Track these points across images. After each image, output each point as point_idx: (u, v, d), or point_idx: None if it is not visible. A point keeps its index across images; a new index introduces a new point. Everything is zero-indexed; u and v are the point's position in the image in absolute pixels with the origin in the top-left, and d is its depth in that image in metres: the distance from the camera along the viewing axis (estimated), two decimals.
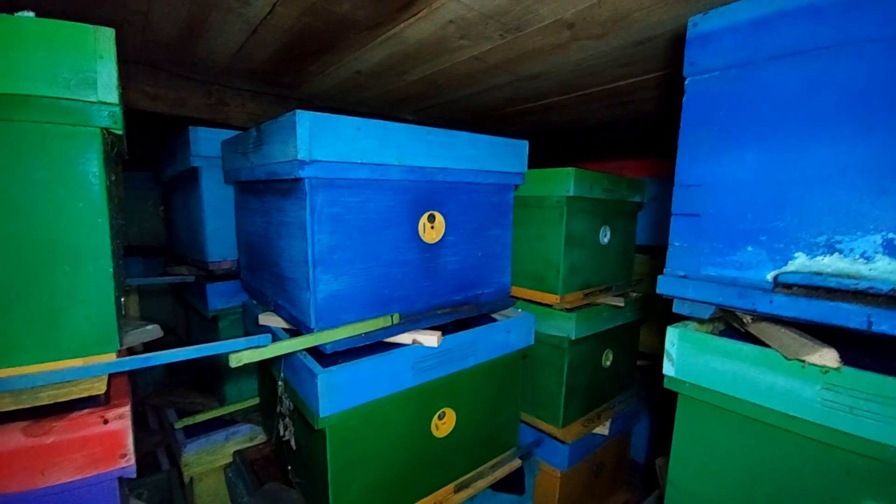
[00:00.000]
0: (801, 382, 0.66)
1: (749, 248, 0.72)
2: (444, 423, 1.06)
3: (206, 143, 1.30)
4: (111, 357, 0.62)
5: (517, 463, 1.25)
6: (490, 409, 1.16)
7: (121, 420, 0.60)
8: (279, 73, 1.51)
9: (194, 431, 1.34)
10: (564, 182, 1.34)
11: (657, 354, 2.06)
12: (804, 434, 0.67)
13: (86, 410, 0.59)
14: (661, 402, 1.99)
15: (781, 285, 0.69)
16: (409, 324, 0.99)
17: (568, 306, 1.42)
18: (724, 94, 0.73)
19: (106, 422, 0.59)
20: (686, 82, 0.78)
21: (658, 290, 0.81)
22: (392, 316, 0.97)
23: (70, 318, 0.59)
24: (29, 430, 0.55)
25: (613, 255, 1.60)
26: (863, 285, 0.63)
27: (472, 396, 1.11)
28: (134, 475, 0.63)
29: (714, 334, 0.80)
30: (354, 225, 0.90)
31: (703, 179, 0.76)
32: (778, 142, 0.68)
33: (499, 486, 1.22)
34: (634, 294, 1.68)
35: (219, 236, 1.34)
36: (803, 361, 0.65)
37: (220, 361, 1.39)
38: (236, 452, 1.34)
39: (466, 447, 1.13)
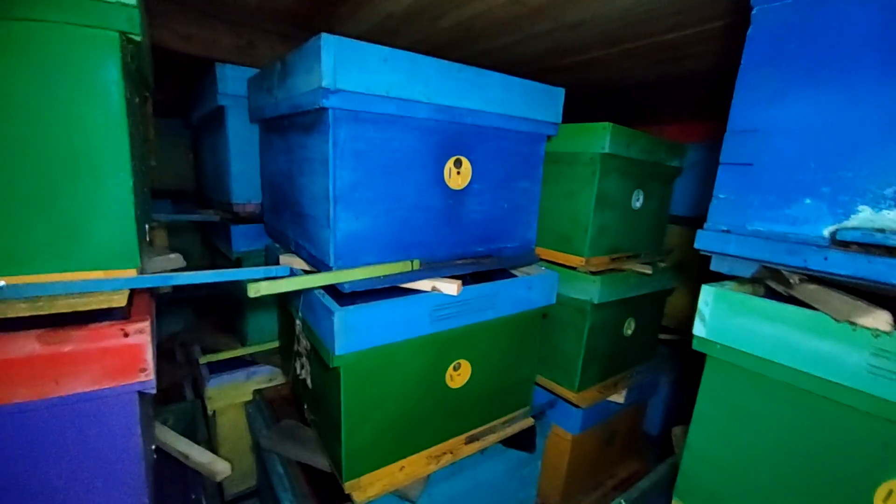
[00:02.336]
0: (848, 347, 0.61)
1: (807, 201, 0.65)
2: (459, 375, 1.05)
3: (233, 81, 1.27)
4: (132, 273, 0.62)
5: (530, 421, 1.25)
6: (506, 366, 1.15)
7: (141, 335, 0.61)
8: (309, 15, 1.45)
9: (217, 368, 1.38)
10: (600, 138, 1.27)
11: (683, 329, 2.02)
12: (843, 402, 0.62)
13: (105, 322, 0.59)
14: (680, 377, 1.95)
15: (838, 242, 0.63)
16: (428, 271, 0.97)
17: (593, 269, 1.37)
18: (797, 25, 0.64)
19: (126, 335, 0.60)
20: (753, 12, 0.69)
21: (696, 245, 0.76)
22: (412, 262, 0.95)
23: (91, 231, 0.59)
24: (44, 337, 0.56)
25: (645, 220, 1.52)
26: None
27: (488, 351, 1.09)
28: (154, 391, 0.65)
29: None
30: (378, 163, 0.87)
31: (762, 124, 0.69)
32: (855, 81, 0.60)
33: (510, 443, 1.23)
34: (663, 264, 1.61)
35: (243, 178, 1.34)
36: (854, 324, 0.60)
37: (243, 302, 1.42)
38: (256, 391, 1.39)
39: (480, 401, 1.12)
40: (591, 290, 1.33)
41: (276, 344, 1.48)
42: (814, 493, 0.67)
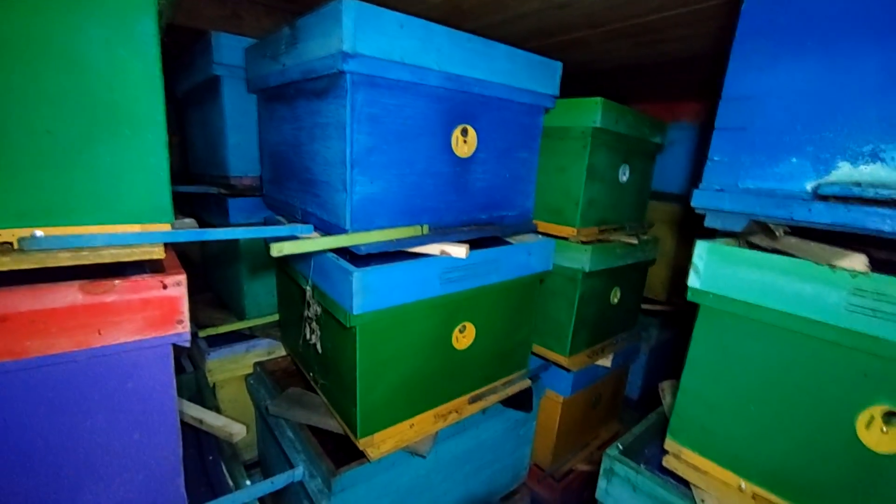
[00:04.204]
0: (827, 288, 0.69)
1: (793, 160, 0.73)
2: (464, 337, 1.10)
3: (228, 50, 1.25)
4: (166, 227, 0.63)
5: (527, 383, 1.32)
6: (507, 329, 1.20)
7: (178, 287, 0.62)
8: None
9: (216, 342, 1.38)
10: (591, 112, 1.32)
11: (660, 300, 2.14)
12: (825, 338, 0.71)
13: (146, 274, 0.60)
14: (657, 346, 2.07)
15: (820, 196, 0.71)
16: (437, 236, 1.01)
17: (584, 239, 1.44)
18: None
19: (165, 287, 0.61)
20: None
21: (693, 203, 0.83)
22: (422, 227, 0.99)
23: (129, 184, 0.60)
24: (87, 287, 0.56)
25: (630, 194, 1.61)
26: None
27: (491, 314, 1.14)
28: (188, 343, 0.66)
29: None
30: (391, 129, 0.90)
31: (755, 91, 0.76)
32: (836, 50, 0.68)
33: (508, 403, 1.29)
34: (646, 236, 1.70)
35: (240, 151, 1.32)
36: (834, 267, 0.68)
37: (239, 277, 1.42)
38: (257, 363, 1.40)
39: (482, 362, 1.18)
40: (582, 259, 1.40)
41: (274, 318, 1.49)
42: (798, 422, 0.76)
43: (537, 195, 1.35)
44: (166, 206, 0.63)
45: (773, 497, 0.81)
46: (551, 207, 1.47)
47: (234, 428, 0.97)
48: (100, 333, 0.58)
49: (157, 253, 0.62)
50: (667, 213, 2.08)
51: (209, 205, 1.50)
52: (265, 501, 1.38)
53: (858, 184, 0.68)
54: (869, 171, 0.66)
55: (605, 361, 1.62)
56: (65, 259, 0.56)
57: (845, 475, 0.73)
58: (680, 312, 2.05)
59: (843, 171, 0.69)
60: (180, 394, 1.12)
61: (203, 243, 1.85)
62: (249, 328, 1.44)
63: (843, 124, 0.68)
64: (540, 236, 1.27)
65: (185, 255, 2.06)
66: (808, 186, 0.72)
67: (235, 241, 1.39)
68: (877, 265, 0.69)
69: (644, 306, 2.01)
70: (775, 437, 0.79)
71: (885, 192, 0.66)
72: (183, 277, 0.63)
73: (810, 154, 0.71)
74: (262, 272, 1.43)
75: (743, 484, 0.83)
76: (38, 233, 0.55)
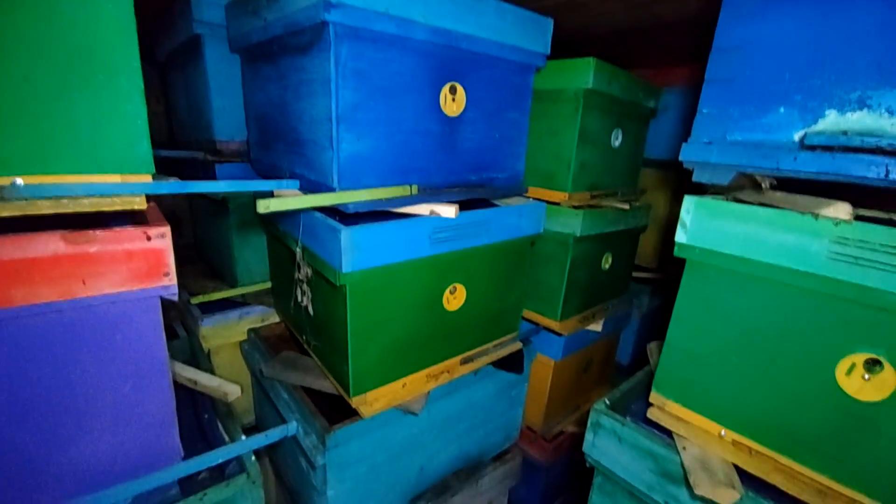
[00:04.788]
0: (810, 238, 0.70)
1: (781, 109, 0.72)
2: (455, 298, 1.11)
3: (209, 7, 1.21)
4: (147, 178, 0.62)
5: (518, 345, 1.34)
6: (497, 291, 1.21)
7: (162, 238, 0.62)
8: None
9: (209, 309, 1.38)
10: (584, 73, 1.30)
11: (652, 268, 2.16)
12: (807, 288, 0.72)
13: (128, 226, 0.60)
14: (648, 313, 2.10)
15: (807, 146, 0.71)
16: (426, 196, 1.00)
17: (575, 204, 1.44)
18: None
19: (149, 238, 0.61)
20: None
21: (681, 157, 0.83)
22: (411, 186, 0.98)
23: (107, 132, 0.58)
24: (69, 237, 0.56)
25: (622, 159, 1.60)
26: (884, 142, 0.65)
27: (481, 276, 1.15)
28: (176, 297, 0.66)
29: None
30: (378, 85, 0.88)
31: (744, 41, 0.74)
32: None
33: (500, 364, 1.31)
34: (638, 203, 1.71)
35: (226, 114, 1.30)
36: (817, 215, 0.68)
37: (230, 245, 1.41)
38: (251, 330, 1.41)
39: (474, 324, 1.19)
40: (573, 224, 1.41)
41: (266, 285, 1.49)
42: (779, 371, 0.78)
43: (528, 160, 1.34)
44: (146, 156, 0.62)
45: (751, 443, 0.84)
46: (543, 172, 1.46)
47: (228, 388, 0.98)
48: (84, 283, 0.58)
49: (139, 203, 0.61)
50: (659, 181, 2.08)
51: (196, 171, 1.47)
52: (266, 467, 1.42)
53: (845, 132, 0.68)
54: (856, 119, 0.66)
55: (596, 326, 1.65)
56: (45, 207, 0.55)
57: (824, 421, 0.75)
58: (671, 280, 2.07)
59: (831, 120, 0.68)
60: (174, 357, 1.13)
61: (193, 213, 1.83)
62: (242, 295, 1.45)
63: (832, 71, 0.67)
64: (531, 199, 1.26)
65: (174, 219, 2.05)
66: (796, 136, 0.72)
67: (226, 208, 1.38)
68: (860, 218, 0.69)
69: (635, 274, 2.03)
70: (756, 387, 0.82)
71: (870, 140, 0.66)
72: (167, 229, 0.62)
73: (798, 103, 0.70)
74: (252, 239, 1.43)
75: (723, 431, 0.86)
76: (19, 181, 0.54)
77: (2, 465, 0.61)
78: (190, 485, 0.83)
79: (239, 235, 1.40)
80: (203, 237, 1.76)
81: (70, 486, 0.68)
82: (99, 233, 0.57)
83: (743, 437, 0.85)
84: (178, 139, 1.71)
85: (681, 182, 2.01)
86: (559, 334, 1.54)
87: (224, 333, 1.38)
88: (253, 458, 0.84)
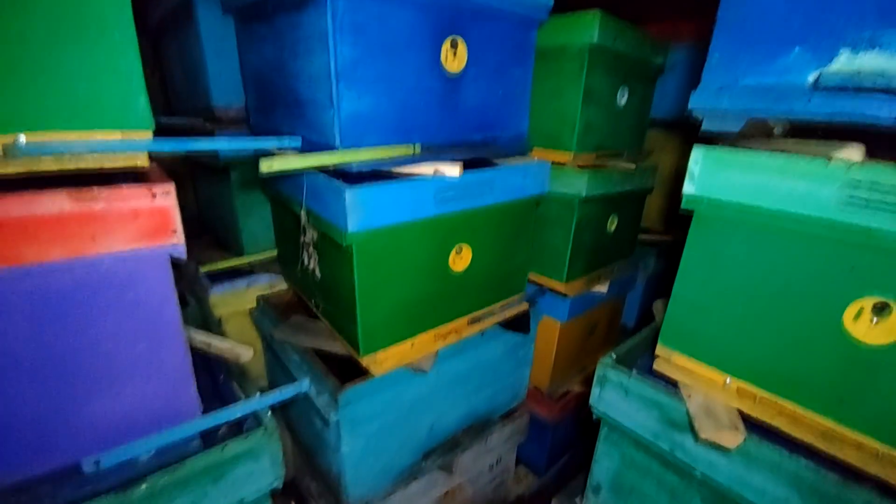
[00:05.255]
0: (822, 182, 0.69)
1: (795, 49, 0.70)
2: (461, 259, 1.11)
3: None
4: (147, 135, 0.62)
5: (525, 306, 1.35)
6: (503, 252, 1.22)
7: (168, 196, 0.62)
8: None
9: (217, 278, 1.40)
10: (588, 27, 1.26)
11: (658, 231, 2.15)
12: (816, 234, 0.71)
13: (132, 184, 0.60)
14: (654, 276, 2.11)
15: (820, 88, 0.69)
16: (429, 156, 0.99)
17: (581, 164, 1.42)
18: None
19: (154, 196, 0.61)
20: None
21: (690, 105, 0.81)
22: (414, 146, 0.97)
23: (103, 88, 0.58)
24: (75, 194, 0.56)
25: (628, 119, 1.56)
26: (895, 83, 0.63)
27: (487, 236, 1.15)
28: (184, 256, 0.67)
29: None
30: (376, 40, 0.85)
31: None
32: None
33: (507, 325, 1.33)
34: (644, 164, 1.68)
35: (222, 79, 1.28)
36: (830, 158, 0.67)
37: (236, 213, 1.41)
38: (259, 297, 1.43)
39: (480, 285, 1.20)
40: (578, 185, 1.39)
41: (272, 253, 1.50)
42: (785, 319, 0.79)
43: (532, 121, 1.32)
44: (144, 112, 0.61)
45: (756, 390, 0.85)
46: (547, 133, 1.44)
47: (241, 350, 1.00)
48: (94, 241, 0.58)
49: (141, 160, 0.61)
50: (665, 142, 2.04)
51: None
52: (281, 429, 1.46)
53: (858, 73, 0.66)
54: (867, 59, 0.64)
55: (602, 288, 1.66)
56: (48, 164, 0.55)
57: (829, 366, 0.76)
58: (677, 243, 2.06)
59: (844, 59, 0.66)
60: (187, 323, 1.15)
61: (196, 186, 1.83)
62: (249, 263, 1.46)
63: (845, 8, 0.64)
64: (535, 159, 1.25)
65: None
66: (810, 78, 0.69)
67: (227, 177, 1.37)
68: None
69: (641, 237, 2.02)
70: (762, 335, 0.82)
71: (882, 81, 0.64)
72: (171, 187, 0.62)
73: (811, 42, 0.68)
74: (256, 207, 1.43)
75: (728, 379, 0.88)
76: (21, 138, 0.54)
77: (26, 419, 0.63)
78: (211, 441, 0.86)
79: (242, 204, 1.40)
80: (207, 209, 1.76)
81: (96, 440, 0.70)
82: (104, 190, 0.58)
83: (748, 384, 0.86)
84: (175, 109, 1.69)
85: (687, 144, 1.97)
86: (565, 296, 1.54)
87: (233, 301, 1.40)
88: (269, 413, 0.86)
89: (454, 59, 0.98)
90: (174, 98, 1.68)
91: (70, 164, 0.56)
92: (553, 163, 1.42)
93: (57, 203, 0.55)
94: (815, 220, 0.71)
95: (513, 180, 1.12)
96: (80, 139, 0.57)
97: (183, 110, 1.58)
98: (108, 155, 0.59)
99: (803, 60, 0.70)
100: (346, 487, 1.11)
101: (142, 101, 0.60)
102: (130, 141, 0.60)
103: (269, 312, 1.36)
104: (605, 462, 1.10)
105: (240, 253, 1.47)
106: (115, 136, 0.59)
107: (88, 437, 0.70)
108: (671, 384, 0.95)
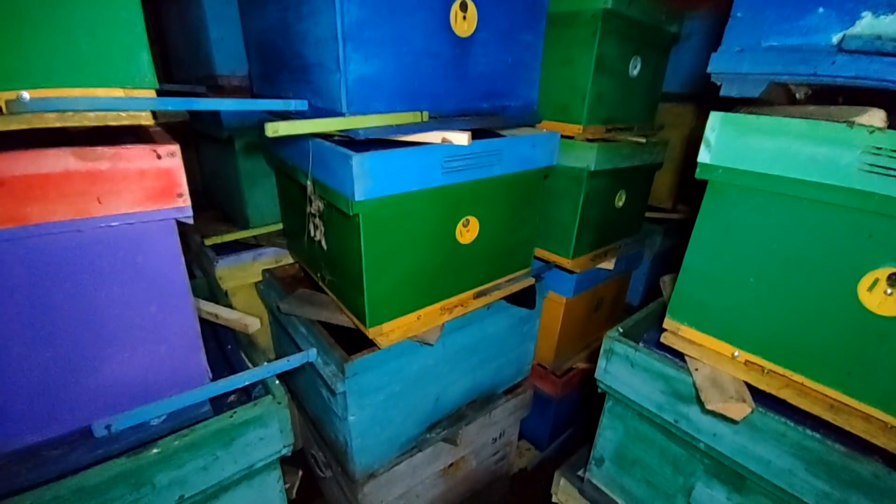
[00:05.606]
0: (843, 148, 0.67)
1: (820, 10, 0.67)
2: (468, 231, 1.10)
3: None
4: (151, 93, 0.60)
5: (530, 280, 1.34)
6: (510, 225, 1.20)
7: (173, 157, 0.61)
8: None
9: (223, 251, 1.40)
10: None
11: (666, 208, 2.12)
12: (834, 202, 0.70)
13: (137, 144, 0.59)
14: (660, 254, 2.09)
15: (844, 50, 0.66)
16: (437, 124, 0.97)
17: (590, 137, 1.39)
18: None
19: (159, 157, 0.60)
20: None
21: (710, 69, 0.78)
22: (422, 113, 0.95)
23: (105, 42, 0.56)
24: (80, 153, 0.55)
25: (640, 91, 1.53)
26: None
27: (494, 208, 1.13)
28: (191, 219, 0.66)
29: None
30: (383, 0, 0.82)
31: None
32: None
33: (512, 299, 1.33)
34: (654, 139, 1.64)
35: (225, 46, 1.25)
36: (852, 123, 0.65)
37: (240, 185, 1.40)
38: (265, 270, 1.42)
39: (486, 258, 1.19)
40: (587, 158, 1.37)
41: (278, 226, 1.50)
42: (798, 290, 0.78)
43: (542, 91, 1.28)
44: (147, 70, 0.59)
45: (764, 362, 0.85)
46: (557, 104, 1.40)
47: (248, 320, 1.01)
48: (100, 202, 0.58)
49: (145, 119, 0.59)
50: (678, 117, 1.99)
51: (198, 112, 1.44)
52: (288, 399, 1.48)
53: (879, 37, 0.63)
54: (888, 23, 0.62)
55: (608, 264, 1.64)
56: (51, 120, 0.54)
57: (841, 338, 0.75)
58: (685, 221, 2.04)
59: (866, 22, 0.64)
60: (195, 295, 1.16)
61: (200, 159, 1.81)
62: (255, 237, 1.46)
63: None
64: (544, 130, 1.22)
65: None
66: (834, 39, 0.67)
67: (232, 149, 1.35)
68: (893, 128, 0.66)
69: (649, 214, 2.00)
70: (772, 307, 0.81)
71: None
72: (176, 148, 0.61)
73: (835, 4, 0.65)
74: (261, 180, 1.41)
75: (736, 352, 0.87)
76: (25, 94, 0.53)
77: (35, 382, 0.63)
78: (220, 409, 0.87)
79: (247, 175, 1.38)
80: (211, 182, 1.75)
81: (107, 404, 0.71)
82: (109, 149, 0.56)
83: (756, 357, 0.86)
84: (176, 80, 1.66)
85: (700, 116, 1.93)
86: (571, 272, 1.54)
87: (239, 275, 1.40)
88: (277, 381, 0.87)
89: (464, 21, 0.95)
90: (176, 67, 1.65)
91: (73, 121, 0.55)
92: (562, 135, 1.40)
93: (62, 161, 0.54)
94: (834, 189, 0.69)
95: (521, 150, 1.10)
96: (83, 95, 0.56)
97: (185, 79, 1.55)
98: (112, 112, 0.57)
99: (827, 21, 0.67)
100: (352, 456, 1.13)
101: (144, 57, 0.58)
102: (133, 98, 0.58)
103: (274, 286, 1.36)
104: (608, 434, 1.11)
105: (245, 226, 1.47)
106: (117, 92, 0.58)
107: (99, 401, 0.70)
108: (677, 357, 0.94)
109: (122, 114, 0.58)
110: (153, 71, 0.60)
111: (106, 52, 0.56)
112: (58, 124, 0.54)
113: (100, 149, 0.56)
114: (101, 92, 0.57)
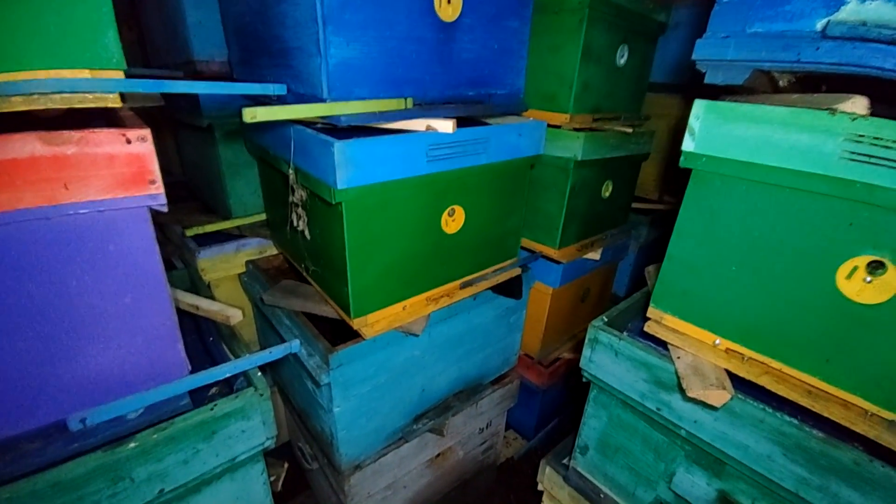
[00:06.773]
0: (825, 136, 0.67)
1: None
2: (453, 221, 1.09)
3: None
4: (119, 74, 0.58)
5: (517, 271, 1.34)
6: (496, 215, 1.19)
7: (144, 142, 0.58)
8: None
9: (205, 241, 1.37)
10: None
11: (652, 199, 2.13)
12: (815, 190, 0.70)
13: (105, 128, 0.56)
14: (646, 245, 2.11)
15: (828, 36, 0.66)
16: (421, 111, 0.95)
17: (577, 126, 1.38)
18: None
19: (129, 142, 0.57)
20: None
21: (695, 56, 0.78)
22: (406, 100, 0.93)
23: (71, 23, 0.53)
24: (45, 138, 0.53)
25: (627, 80, 1.52)
26: None
27: (480, 198, 1.12)
28: (165, 207, 0.64)
29: None
30: None
31: None
32: None
33: (499, 290, 1.32)
34: (641, 129, 1.64)
35: (203, 30, 1.21)
36: (834, 110, 0.65)
37: (222, 175, 1.37)
38: (249, 261, 1.40)
39: (473, 248, 1.18)
40: (574, 147, 1.36)
41: (261, 217, 1.47)
42: (778, 278, 0.78)
43: (528, 80, 1.27)
44: (114, 50, 0.57)
45: (744, 350, 0.86)
46: (543, 93, 1.39)
47: (230, 311, 0.99)
48: (67, 189, 0.55)
49: (112, 101, 0.57)
50: (665, 107, 1.99)
51: (179, 101, 1.40)
52: (275, 394, 1.47)
53: (864, 23, 0.63)
54: (873, 8, 0.61)
55: (594, 255, 1.65)
56: (18, 104, 0.51)
57: (819, 325, 0.76)
58: (671, 212, 2.05)
59: (851, 8, 0.63)
60: (175, 286, 1.13)
61: (181, 149, 1.76)
62: (237, 228, 1.43)
63: None
64: (531, 118, 1.21)
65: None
66: (818, 25, 0.67)
67: (213, 138, 1.32)
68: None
69: (635, 205, 2.00)
70: (753, 294, 0.82)
71: (886, 33, 0.62)
72: (147, 132, 0.59)
73: None
74: (243, 170, 1.38)
75: (717, 340, 0.88)
76: None
77: (7, 375, 0.61)
78: (201, 401, 0.85)
79: (228, 165, 1.35)
80: (192, 173, 1.71)
81: (82, 398, 0.69)
82: (75, 133, 0.54)
83: (736, 345, 0.87)
84: (153, 67, 1.61)
85: (686, 109, 1.93)
86: (557, 262, 1.54)
87: (222, 266, 1.38)
88: (259, 373, 0.86)
89: (448, 5, 0.93)
90: (153, 54, 1.60)
91: (39, 104, 0.52)
92: (549, 124, 1.39)
93: (28, 146, 0.52)
94: (815, 177, 0.69)
95: (508, 139, 1.09)
96: (47, 77, 0.53)
97: (163, 66, 1.51)
98: (77, 95, 0.55)
99: (812, 7, 0.67)
100: (338, 448, 1.12)
101: (111, 36, 0.56)
102: (101, 80, 0.56)
103: (258, 277, 1.33)
104: (593, 423, 1.12)
105: (227, 217, 1.44)
106: (84, 74, 0.55)
107: (74, 393, 0.69)
108: (660, 346, 0.95)
109: (89, 95, 0.55)
110: (121, 51, 0.57)
111: (72, 31, 0.54)
112: (23, 108, 0.51)
113: (66, 133, 0.54)
114: (68, 73, 0.54)
